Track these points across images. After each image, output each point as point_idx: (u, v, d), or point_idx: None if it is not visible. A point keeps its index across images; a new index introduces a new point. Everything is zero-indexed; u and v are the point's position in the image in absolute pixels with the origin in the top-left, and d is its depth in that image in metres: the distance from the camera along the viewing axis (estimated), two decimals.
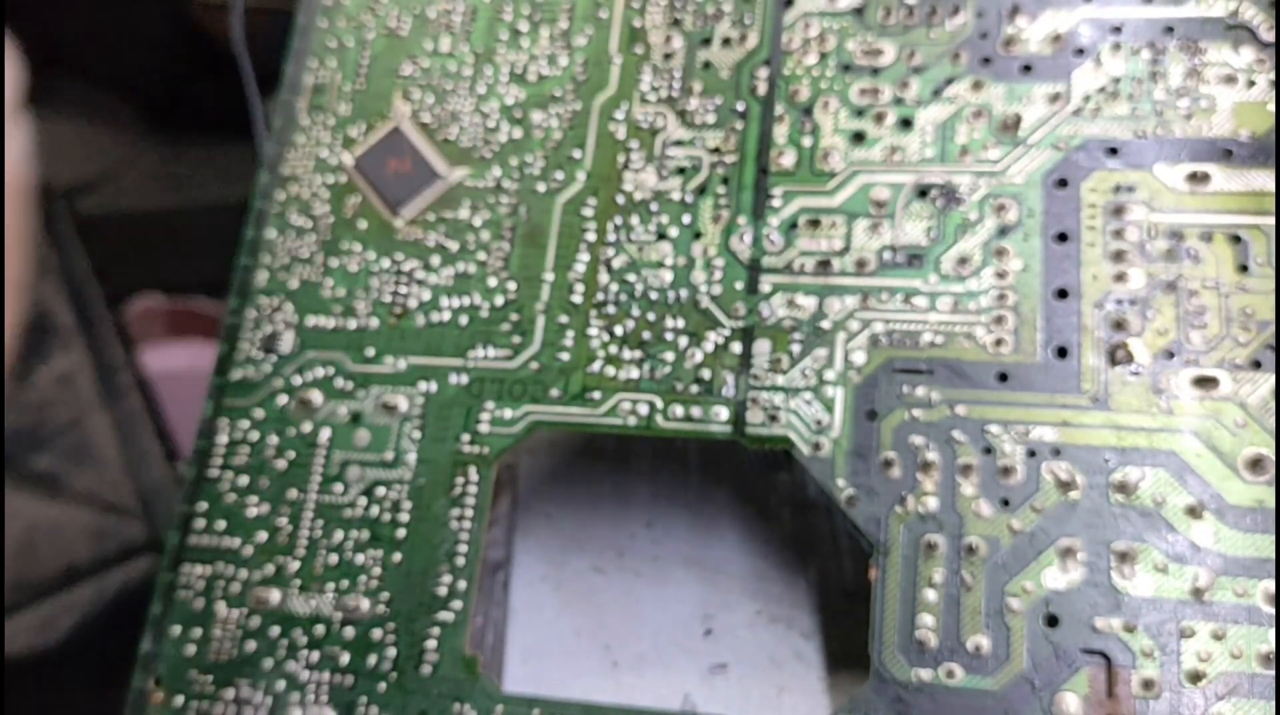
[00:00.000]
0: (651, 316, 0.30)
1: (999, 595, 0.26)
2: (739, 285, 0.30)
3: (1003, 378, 0.27)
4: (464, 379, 0.31)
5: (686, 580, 0.33)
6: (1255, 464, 0.26)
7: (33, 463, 0.49)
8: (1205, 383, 0.26)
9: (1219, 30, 0.29)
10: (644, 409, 0.29)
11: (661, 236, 0.31)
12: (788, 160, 0.31)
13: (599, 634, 0.33)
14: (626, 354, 0.30)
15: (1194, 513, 0.25)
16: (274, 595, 0.30)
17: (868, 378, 0.28)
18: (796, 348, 0.29)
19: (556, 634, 0.33)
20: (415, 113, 0.34)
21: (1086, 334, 0.27)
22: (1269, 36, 0.29)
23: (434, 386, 0.31)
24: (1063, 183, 0.29)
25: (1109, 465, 0.26)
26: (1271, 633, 0.24)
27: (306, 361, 0.32)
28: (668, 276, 0.30)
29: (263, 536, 0.30)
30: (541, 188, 0.32)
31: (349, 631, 0.29)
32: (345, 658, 0.28)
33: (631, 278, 0.30)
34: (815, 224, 0.30)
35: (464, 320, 0.31)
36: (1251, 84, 0.29)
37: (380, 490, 0.30)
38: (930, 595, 0.26)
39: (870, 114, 0.31)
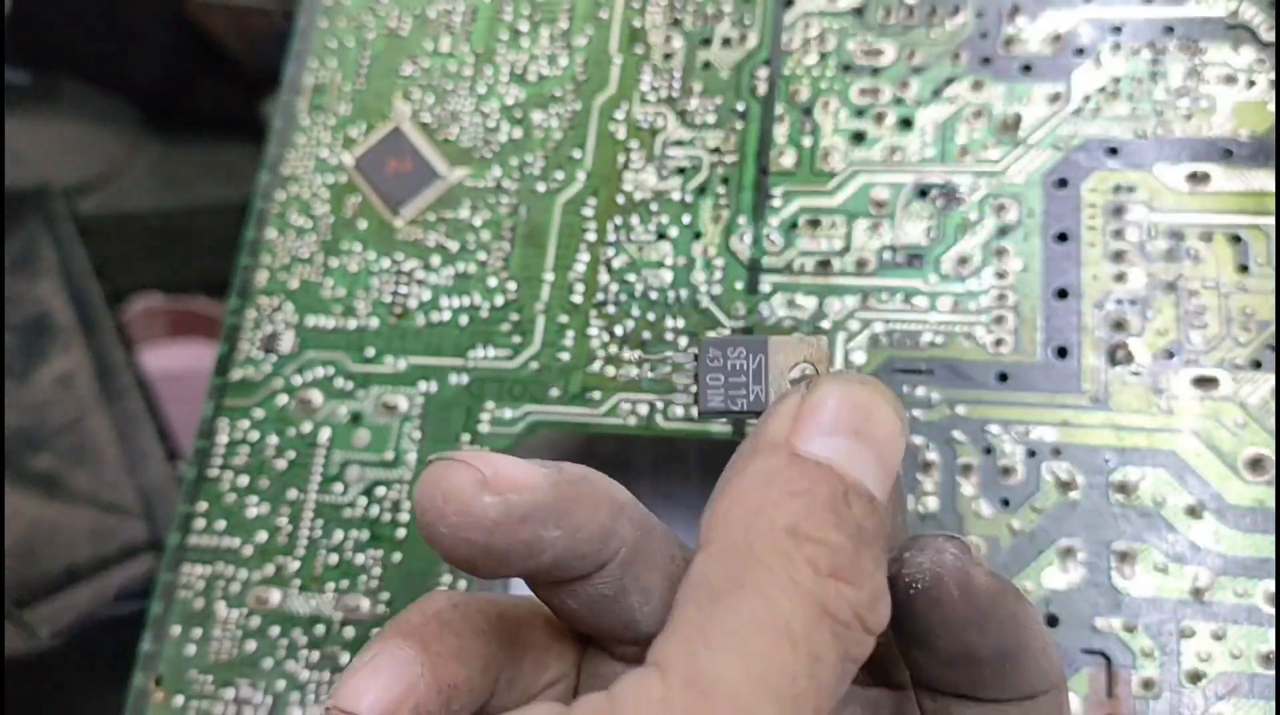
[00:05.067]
0: (651, 316, 0.30)
1: None
2: (739, 285, 0.30)
3: (1003, 378, 0.27)
4: (464, 379, 0.31)
5: None
6: (1255, 464, 0.26)
7: (33, 463, 0.49)
8: (1205, 383, 0.26)
9: (1219, 30, 0.29)
10: (644, 409, 0.29)
11: (661, 236, 0.31)
12: (788, 160, 0.31)
13: None
14: (626, 354, 0.30)
15: (1194, 513, 0.25)
16: (274, 595, 0.30)
17: None
18: None
19: None
20: (415, 113, 0.34)
21: (1086, 334, 0.27)
22: (1269, 36, 0.29)
23: (434, 386, 0.31)
24: (1063, 183, 0.29)
25: (1109, 465, 0.26)
26: (1271, 633, 0.24)
27: (306, 361, 0.32)
28: (668, 276, 0.30)
29: (263, 536, 0.30)
30: (541, 188, 0.32)
31: (349, 631, 0.29)
32: (345, 658, 0.28)
33: (631, 278, 0.30)
34: (815, 224, 0.30)
35: (464, 320, 0.31)
36: (1251, 84, 0.29)
37: (380, 490, 0.30)
38: None
39: (870, 114, 0.31)
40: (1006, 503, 0.26)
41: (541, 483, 0.15)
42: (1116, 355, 0.27)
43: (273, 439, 0.31)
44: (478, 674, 0.17)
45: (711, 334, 0.18)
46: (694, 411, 0.29)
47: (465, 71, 0.34)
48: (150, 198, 0.67)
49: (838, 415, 0.15)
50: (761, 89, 0.32)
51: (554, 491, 0.15)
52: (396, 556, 0.29)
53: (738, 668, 0.13)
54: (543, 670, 0.18)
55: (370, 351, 0.31)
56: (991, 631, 0.16)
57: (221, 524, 0.31)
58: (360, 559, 0.29)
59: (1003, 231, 0.29)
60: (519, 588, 0.34)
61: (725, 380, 0.18)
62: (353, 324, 0.32)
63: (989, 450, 0.27)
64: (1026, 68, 0.30)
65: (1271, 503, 0.25)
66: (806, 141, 0.31)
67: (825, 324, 0.29)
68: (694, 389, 0.18)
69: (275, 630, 0.29)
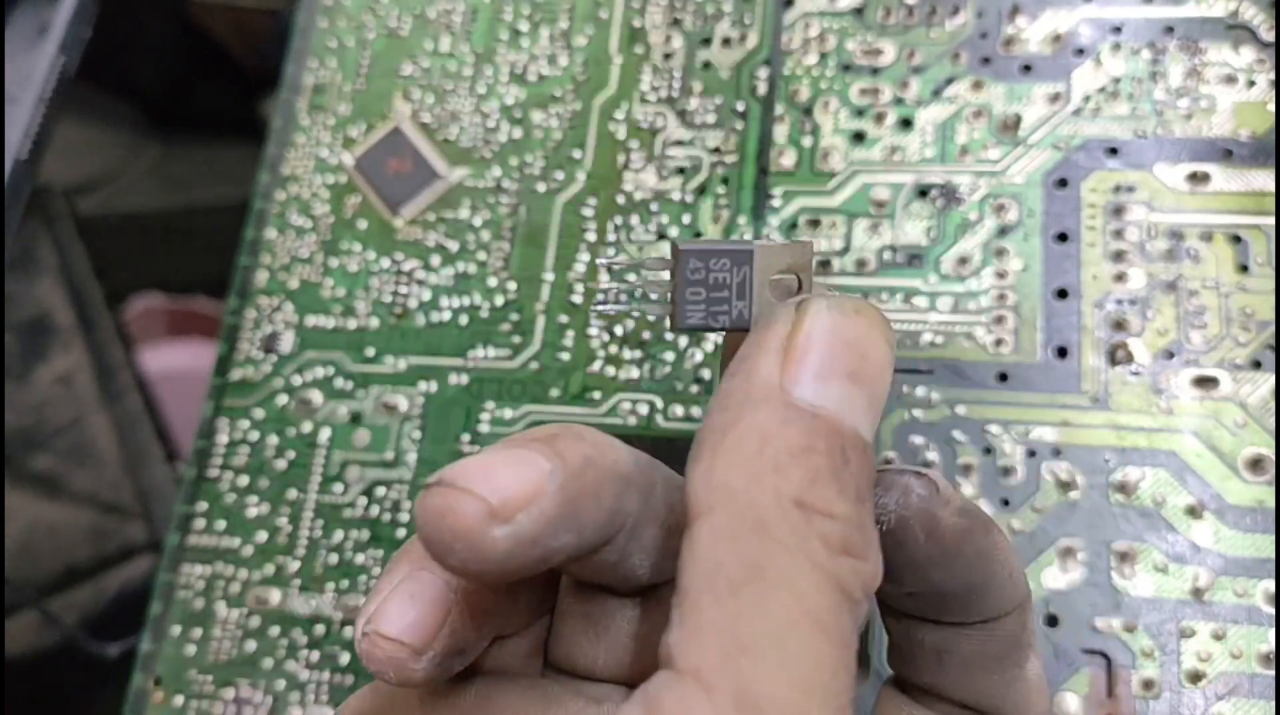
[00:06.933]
0: (652, 317, 0.30)
1: None
2: None
3: (1003, 378, 0.27)
4: (464, 379, 0.31)
5: None
6: (1255, 464, 0.26)
7: (33, 463, 0.49)
8: (1205, 383, 0.26)
9: (1219, 30, 0.29)
10: (644, 409, 0.29)
11: (662, 236, 0.31)
12: (788, 160, 0.31)
13: None
14: (626, 354, 0.30)
15: (1194, 513, 0.25)
16: (274, 595, 0.30)
17: None
18: None
19: None
20: (415, 113, 0.34)
21: (1086, 334, 0.27)
22: (1269, 36, 0.29)
23: (434, 386, 0.31)
24: (1063, 183, 0.29)
25: (1109, 465, 0.26)
26: (1271, 633, 0.24)
27: (306, 361, 0.32)
28: (667, 276, 0.30)
29: (263, 536, 0.30)
30: (541, 188, 0.32)
31: (349, 631, 0.29)
32: (345, 658, 0.28)
33: (632, 277, 0.30)
34: (815, 224, 0.30)
35: (464, 320, 0.31)
36: (1251, 84, 0.29)
37: (380, 490, 0.30)
38: None
39: (870, 114, 0.31)
40: (1007, 503, 0.26)
41: (548, 493, 0.14)
42: (1116, 355, 0.27)
43: (273, 439, 0.31)
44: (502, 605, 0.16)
45: (687, 243, 0.16)
46: (694, 411, 0.29)
47: (465, 71, 0.34)
48: (150, 198, 0.67)
49: (831, 355, 0.14)
50: (761, 89, 0.32)
51: (561, 497, 0.14)
52: None
53: (783, 677, 0.12)
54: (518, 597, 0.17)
55: (370, 351, 0.31)
56: (957, 571, 0.16)
57: (221, 524, 0.31)
58: (360, 559, 0.29)
59: (1003, 231, 0.29)
60: None
61: (706, 294, 0.17)
62: (353, 324, 0.32)
63: (989, 450, 0.27)
64: (1026, 68, 0.30)
65: (1271, 503, 0.25)
66: (806, 141, 0.31)
67: None
68: (651, 300, 0.17)
69: (275, 630, 0.29)
